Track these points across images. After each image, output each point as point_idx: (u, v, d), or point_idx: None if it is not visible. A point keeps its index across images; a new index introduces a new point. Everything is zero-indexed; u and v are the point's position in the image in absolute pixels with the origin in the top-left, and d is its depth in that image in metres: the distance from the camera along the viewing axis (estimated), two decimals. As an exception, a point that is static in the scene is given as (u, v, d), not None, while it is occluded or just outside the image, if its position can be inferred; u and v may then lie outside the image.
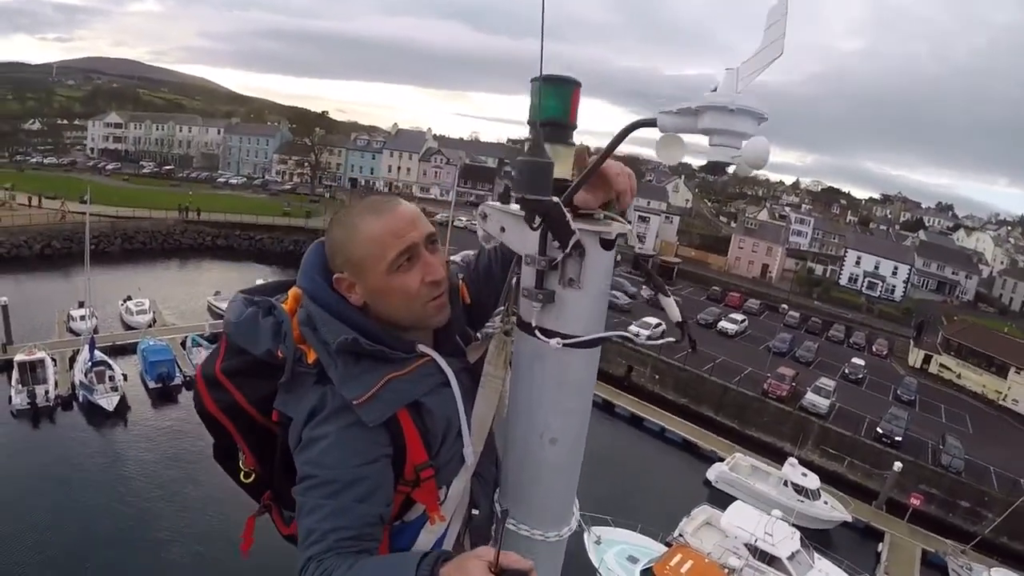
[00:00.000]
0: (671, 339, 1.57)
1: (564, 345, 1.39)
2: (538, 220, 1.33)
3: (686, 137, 1.24)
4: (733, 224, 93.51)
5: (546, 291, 1.40)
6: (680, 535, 23.66)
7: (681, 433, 34.23)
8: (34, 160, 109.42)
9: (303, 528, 1.39)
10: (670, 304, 1.43)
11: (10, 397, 30.98)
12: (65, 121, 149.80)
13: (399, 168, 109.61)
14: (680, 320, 1.41)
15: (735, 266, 75.50)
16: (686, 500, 26.81)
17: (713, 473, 29.90)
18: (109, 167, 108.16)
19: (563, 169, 1.42)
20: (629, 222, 1.49)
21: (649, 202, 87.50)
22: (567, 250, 1.35)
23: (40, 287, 50.93)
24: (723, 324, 49.66)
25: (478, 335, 1.80)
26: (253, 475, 1.73)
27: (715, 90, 1.18)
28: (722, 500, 26.82)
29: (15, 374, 31.95)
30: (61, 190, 70.22)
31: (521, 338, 1.52)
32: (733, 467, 29.76)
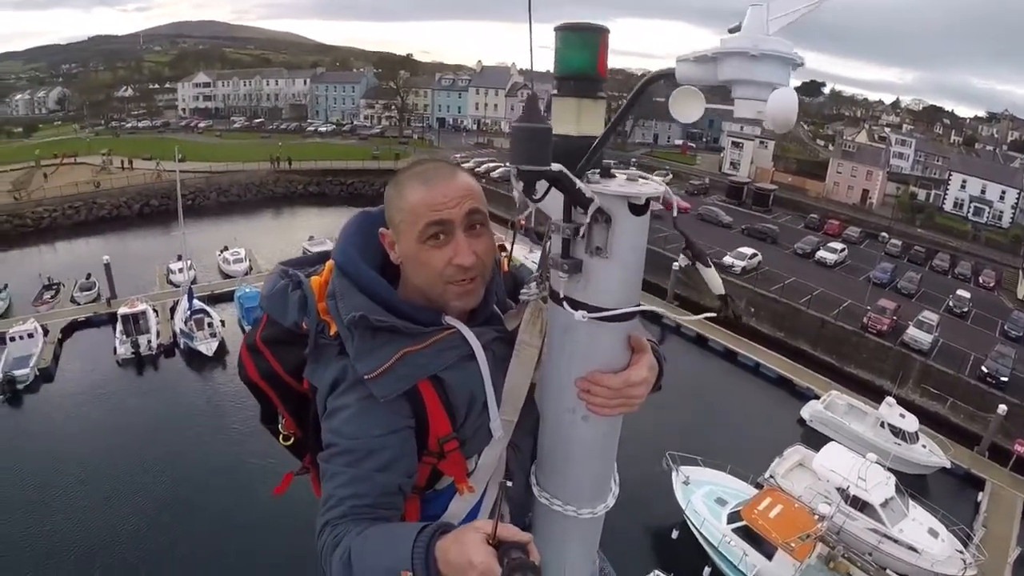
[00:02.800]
0: (711, 313, 1.45)
1: (591, 318, 1.30)
2: (541, 190, 1.23)
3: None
4: (831, 147, 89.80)
5: (572, 260, 1.31)
6: (771, 477, 23.22)
7: (776, 368, 33.39)
8: (129, 125, 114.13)
9: (324, 493, 1.45)
10: (711, 275, 1.34)
11: (115, 348, 33.03)
12: (156, 85, 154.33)
13: (485, 105, 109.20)
14: (723, 293, 1.34)
15: (834, 192, 72.05)
16: (779, 439, 26.18)
17: (808, 411, 29.14)
18: (201, 125, 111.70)
19: (593, 126, 1.32)
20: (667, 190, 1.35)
21: (743, 127, 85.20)
22: (587, 217, 1.25)
23: (141, 244, 53.55)
24: (821, 253, 47.77)
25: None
26: (292, 438, 1.82)
27: (736, 29, 1.02)
28: (816, 440, 26.26)
29: (119, 326, 33.83)
30: (156, 151, 72.88)
31: (552, 309, 1.44)
32: (828, 405, 28.87)
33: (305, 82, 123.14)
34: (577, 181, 1.22)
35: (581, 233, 1.28)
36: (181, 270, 40.68)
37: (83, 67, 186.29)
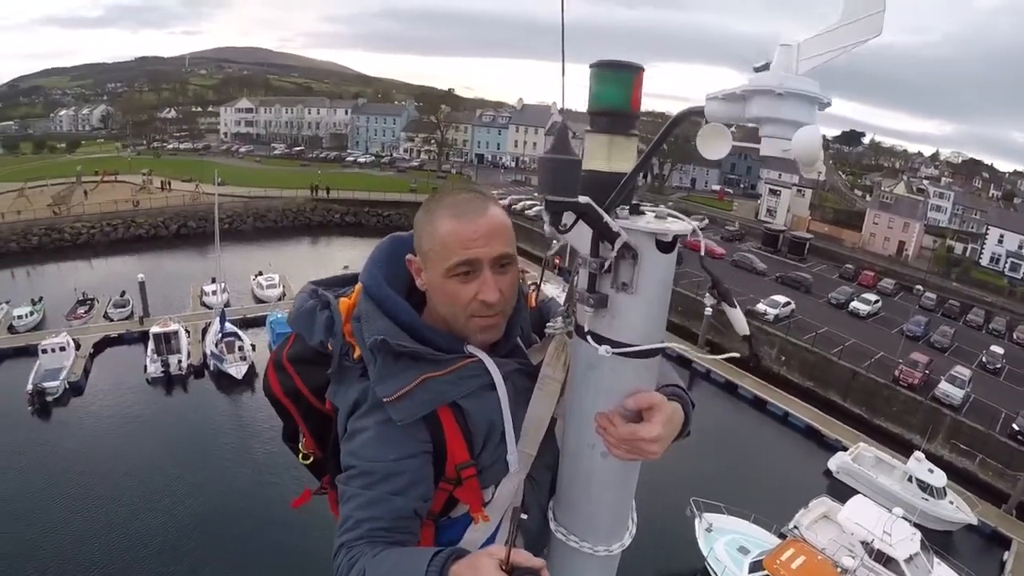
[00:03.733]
0: (735, 354, 1.44)
1: (614, 353, 1.31)
2: (568, 221, 1.25)
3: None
4: (868, 198, 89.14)
5: (598, 295, 1.31)
6: (795, 527, 22.87)
7: (805, 419, 32.90)
8: (170, 146, 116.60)
9: (341, 515, 1.45)
10: (736, 316, 1.33)
11: (145, 366, 33.33)
12: (199, 108, 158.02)
13: (525, 143, 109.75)
14: (747, 334, 1.32)
15: (870, 243, 71.07)
16: (805, 490, 25.86)
17: (835, 463, 28.67)
18: (242, 150, 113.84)
19: (624, 162, 1.32)
20: (701, 223, 1.35)
21: (780, 174, 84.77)
22: (614, 252, 1.26)
23: (176, 264, 54.34)
24: (855, 304, 47.20)
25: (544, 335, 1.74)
26: (312, 458, 1.83)
27: (764, 67, 1.04)
28: (842, 492, 25.80)
29: (151, 344, 34.19)
30: (196, 173, 74.25)
31: (576, 343, 1.44)
32: (856, 458, 28.40)
33: (347, 112, 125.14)
34: (604, 215, 1.23)
35: (607, 268, 1.29)
36: (215, 292, 41.12)
37: (128, 87, 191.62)
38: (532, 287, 1.83)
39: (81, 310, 40.89)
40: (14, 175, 79.29)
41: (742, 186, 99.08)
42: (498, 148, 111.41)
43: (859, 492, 25.48)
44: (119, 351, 36.29)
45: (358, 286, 1.63)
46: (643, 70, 1.29)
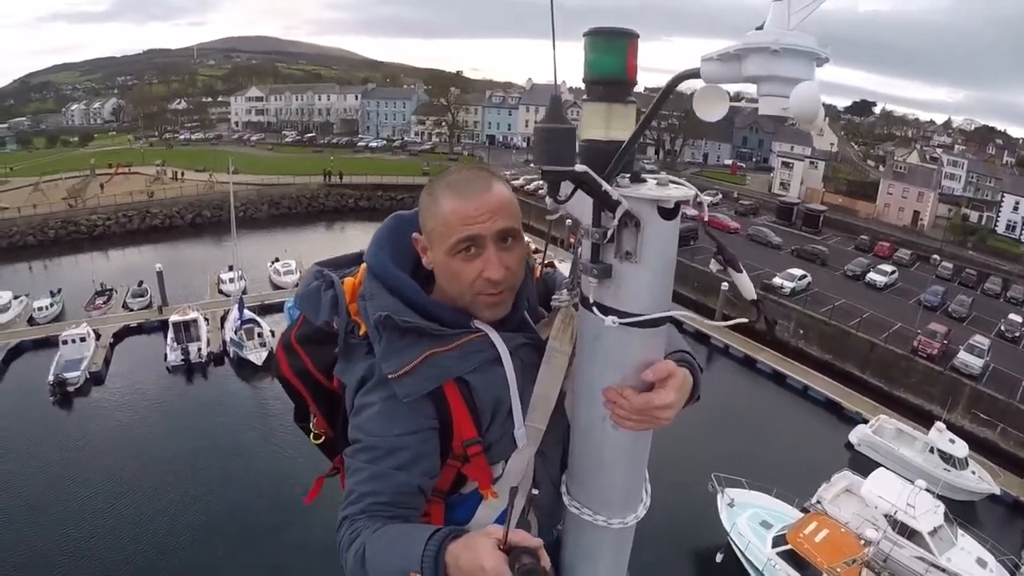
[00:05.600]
0: (743, 320, 1.43)
1: (620, 324, 1.29)
2: (566, 191, 1.25)
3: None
4: (881, 168, 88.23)
5: (602, 265, 1.30)
6: (818, 502, 22.72)
7: (824, 392, 32.81)
8: (182, 137, 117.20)
9: (346, 488, 1.49)
10: (743, 280, 1.33)
11: (165, 354, 33.65)
12: (209, 99, 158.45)
13: (535, 122, 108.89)
14: (755, 299, 1.33)
15: (884, 213, 70.44)
16: (826, 463, 25.73)
17: (856, 436, 28.60)
18: (253, 138, 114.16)
19: (623, 130, 1.30)
20: (701, 194, 1.34)
21: (793, 147, 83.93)
22: (615, 220, 1.24)
23: (192, 253, 54.72)
24: (871, 276, 46.91)
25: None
26: (323, 437, 1.84)
27: (761, 27, 1.01)
28: (864, 464, 25.77)
29: (170, 333, 34.39)
30: (208, 163, 74.45)
31: (583, 315, 1.43)
32: (877, 430, 28.33)
33: (356, 97, 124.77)
34: (603, 183, 1.22)
35: (610, 237, 1.28)
36: (232, 280, 41.48)
37: (138, 79, 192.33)
38: (538, 261, 1.82)
39: (100, 300, 41.19)
40: (29, 170, 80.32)
41: (754, 160, 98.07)
42: (509, 129, 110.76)
43: (881, 464, 25.42)
44: (139, 340, 36.64)
45: (363, 266, 1.64)
46: (638, 37, 1.27)
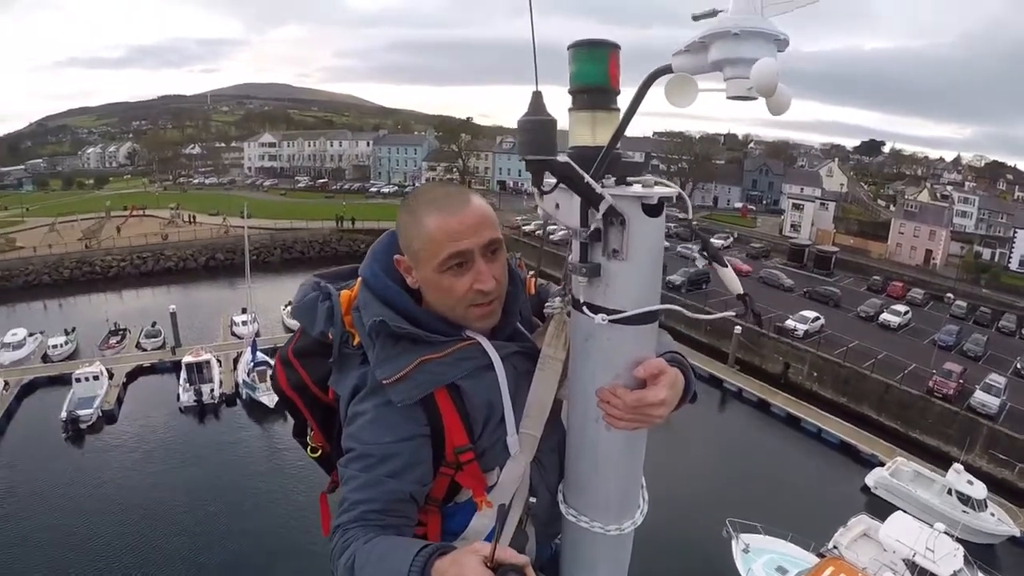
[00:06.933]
0: (731, 312, 1.43)
1: (610, 321, 1.31)
2: (550, 184, 1.30)
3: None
4: (892, 208, 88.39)
5: (590, 264, 1.33)
6: (835, 547, 22.46)
7: (839, 435, 32.43)
8: (196, 181, 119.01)
9: (340, 497, 1.49)
10: (728, 275, 1.34)
11: (178, 395, 33.83)
12: (222, 144, 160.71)
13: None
14: (742, 292, 1.32)
15: (896, 253, 70.07)
16: (842, 508, 25.43)
17: (872, 479, 28.24)
18: (266, 183, 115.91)
19: (605, 136, 1.32)
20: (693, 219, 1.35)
21: (803, 188, 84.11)
22: (599, 215, 1.27)
23: (206, 295, 55.25)
24: (885, 316, 46.59)
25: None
26: (320, 451, 1.85)
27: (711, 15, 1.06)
28: (881, 508, 25.39)
29: (183, 374, 34.62)
30: (222, 207, 75.49)
31: (574, 317, 1.45)
32: (894, 473, 27.95)
33: (368, 144, 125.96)
34: (584, 174, 1.24)
35: (597, 235, 1.30)
36: (245, 323, 41.90)
37: (152, 124, 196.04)
38: (531, 274, 1.84)
39: (113, 340, 41.61)
40: (45, 210, 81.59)
41: (764, 202, 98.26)
42: (519, 175, 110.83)
43: (898, 508, 25.09)
44: (152, 380, 36.82)
45: (359, 279, 1.65)
46: (619, 48, 1.31)
